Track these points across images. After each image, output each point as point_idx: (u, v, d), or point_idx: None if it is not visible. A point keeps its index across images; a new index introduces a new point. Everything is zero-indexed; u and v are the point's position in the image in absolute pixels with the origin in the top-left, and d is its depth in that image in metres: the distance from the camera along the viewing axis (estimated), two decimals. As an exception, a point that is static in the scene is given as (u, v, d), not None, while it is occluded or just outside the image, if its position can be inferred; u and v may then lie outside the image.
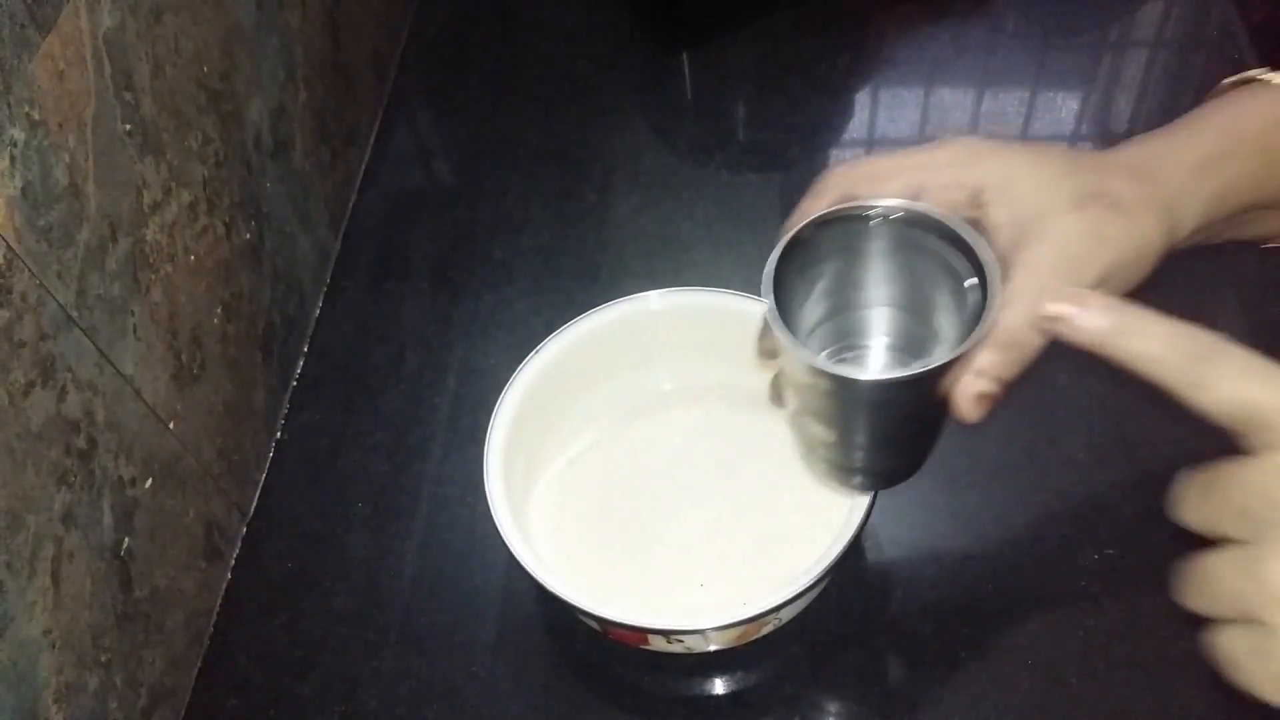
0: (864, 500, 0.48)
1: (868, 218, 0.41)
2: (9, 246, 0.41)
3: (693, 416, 0.59)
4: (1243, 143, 0.43)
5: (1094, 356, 0.35)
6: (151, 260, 0.51)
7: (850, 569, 0.55)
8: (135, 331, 0.50)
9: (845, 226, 0.42)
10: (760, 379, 0.49)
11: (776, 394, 0.48)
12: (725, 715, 0.52)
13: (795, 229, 0.41)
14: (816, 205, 0.43)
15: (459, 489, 0.61)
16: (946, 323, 0.42)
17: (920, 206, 0.41)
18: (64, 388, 0.45)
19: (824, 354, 0.46)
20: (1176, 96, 0.77)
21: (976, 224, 0.41)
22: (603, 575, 0.54)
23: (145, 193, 0.51)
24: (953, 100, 0.78)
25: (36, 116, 0.43)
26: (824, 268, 0.43)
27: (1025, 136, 0.75)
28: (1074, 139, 0.76)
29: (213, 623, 0.57)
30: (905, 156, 0.43)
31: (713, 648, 0.51)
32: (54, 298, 0.44)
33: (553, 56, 0.84)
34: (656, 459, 0.58)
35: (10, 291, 0.41)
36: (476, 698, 0.53)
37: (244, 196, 0.61)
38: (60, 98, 0.44)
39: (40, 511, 0.43)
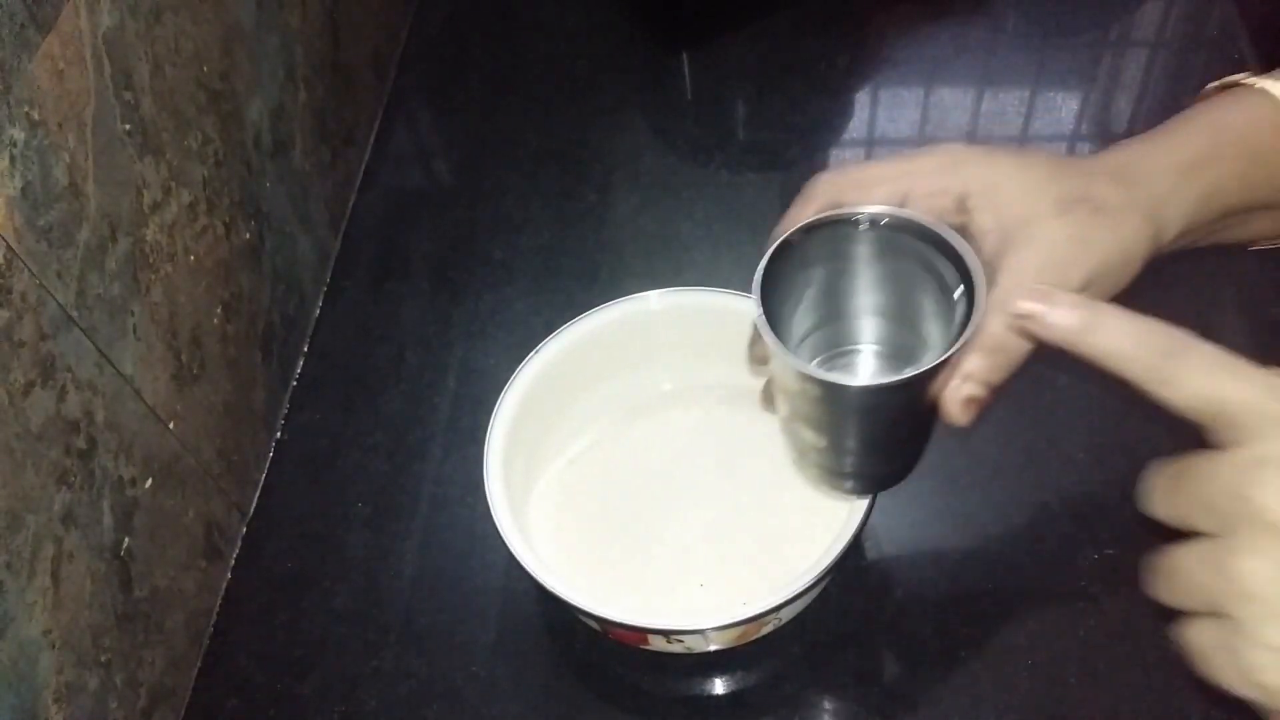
0: (863, 501, 0.48)
1: (855, 224, 0.42)
2: (9, 246, 0.41)
3: (693, 416, 0.59)
4: (1227, 146, 0.43)
5: (1069, 355, 0.35)
6: (151, 260, 0.51)
7: (850, 569, 0.55)
8: (135, 331, 0.50)
9: (833, 232, 0.42)
10: (760, 379, 0.49)
11: (768, 400, 0.48)
12: (725, 715, 0.52)
13: (783, 235, 0.41)
14: (804, 212, 0.43)
15: (459, 489, 0.61)
16: (934, 328, 0.43)
17: (906, 213, 0.41)
18: (64, 388, 0.45)
19: (814, 361, 0.46)
20: (1176, 96, 0.77)
21: (962, 230, 0.41)
22: (603, 575, 0.54)
23: (145, 193, 0.51)
24: (953, 100, 0.78)
25: (36, 116, 0.43)
26: (812, 274, 0.43)
27: (1025, 136, 0.75)
28: (1074, 139, 0.76)
29: (213, 623, 0.57)
30: (891, 163, 0.44)
31: (713, 648, 0.51)
32: (54, 298, 0.44)
33: (552, 56, 0.84)
34: (656, 459, 0.58)
35: (10, 291, 0.41)
36: (476, 698, 0.53)
37: (244, 196, 0.61)
38: (60, 98, 0.44)
39: (40, 511, 0.43)
